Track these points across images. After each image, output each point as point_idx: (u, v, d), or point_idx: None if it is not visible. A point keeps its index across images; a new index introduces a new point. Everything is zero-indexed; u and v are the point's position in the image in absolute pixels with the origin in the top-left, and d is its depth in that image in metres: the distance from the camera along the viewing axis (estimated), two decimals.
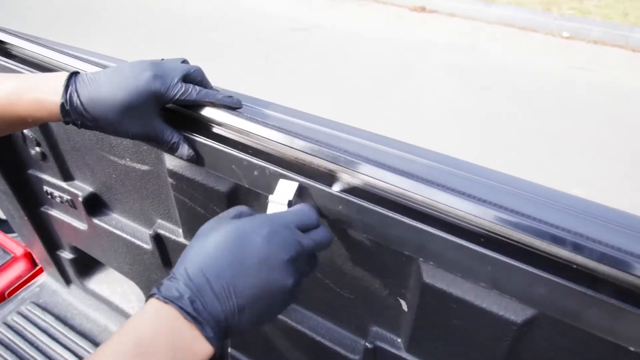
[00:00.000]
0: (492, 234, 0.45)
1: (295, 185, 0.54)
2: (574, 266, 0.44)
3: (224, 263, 0.43)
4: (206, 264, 0.43)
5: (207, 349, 0.41)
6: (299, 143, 0.54)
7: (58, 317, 1.19)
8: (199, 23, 4.34)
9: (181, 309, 0.40)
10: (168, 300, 0.41)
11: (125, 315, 1.13)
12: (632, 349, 0.43)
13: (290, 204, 0.53)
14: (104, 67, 0.67)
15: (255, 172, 0.57)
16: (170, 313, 0.40)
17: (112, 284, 1.15)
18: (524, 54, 3.76)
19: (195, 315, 0.40)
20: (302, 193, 0.56)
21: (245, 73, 3.52)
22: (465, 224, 0.47)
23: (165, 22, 4.38)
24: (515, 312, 0.53)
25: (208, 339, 0.41)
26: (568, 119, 2.95)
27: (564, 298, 0.44)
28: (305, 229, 0.48)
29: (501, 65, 3.59)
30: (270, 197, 0.54)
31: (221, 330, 0.42)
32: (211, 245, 0.44)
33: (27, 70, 0.77)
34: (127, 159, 0.83)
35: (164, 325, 0.40)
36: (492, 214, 0.45)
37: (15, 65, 0.78)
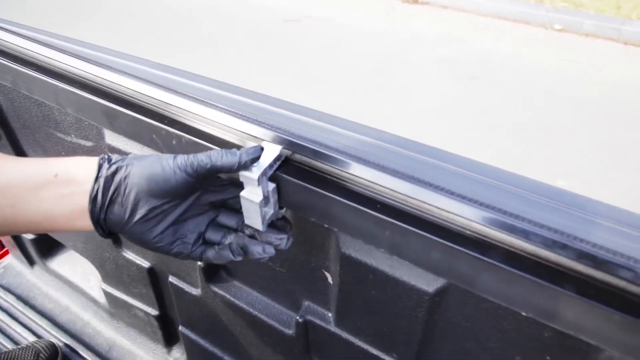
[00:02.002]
0: (387, 200, 0.46)
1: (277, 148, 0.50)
2: (468, 232, 0.44)
3: None
4: None
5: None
6: (213, 113, 0.54)
7: (20, 297, 1.19)
8: (191, 14, 4.33)
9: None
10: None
11: (85, 295, 1.14)
12: (524, 313, 0.44)
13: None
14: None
15: (174, 141, 0.57)
16: None
17: (73, 264, 1.16)
18: (515, 47, 3.75)
19: None
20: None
21: (237, 64, 3.51)
22: (362, 189, 0.47)
23: (157, 13, 4.36)
24: (427, 282, 0.53)
25: None
26: (558, 112, 2.94)
27: (459, 263, 0.44)
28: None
29: (492, 57, 3.58)
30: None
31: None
32: None
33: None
34: (73, 136, 0.83)
35: None
36: (387, 180, 0.45)
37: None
